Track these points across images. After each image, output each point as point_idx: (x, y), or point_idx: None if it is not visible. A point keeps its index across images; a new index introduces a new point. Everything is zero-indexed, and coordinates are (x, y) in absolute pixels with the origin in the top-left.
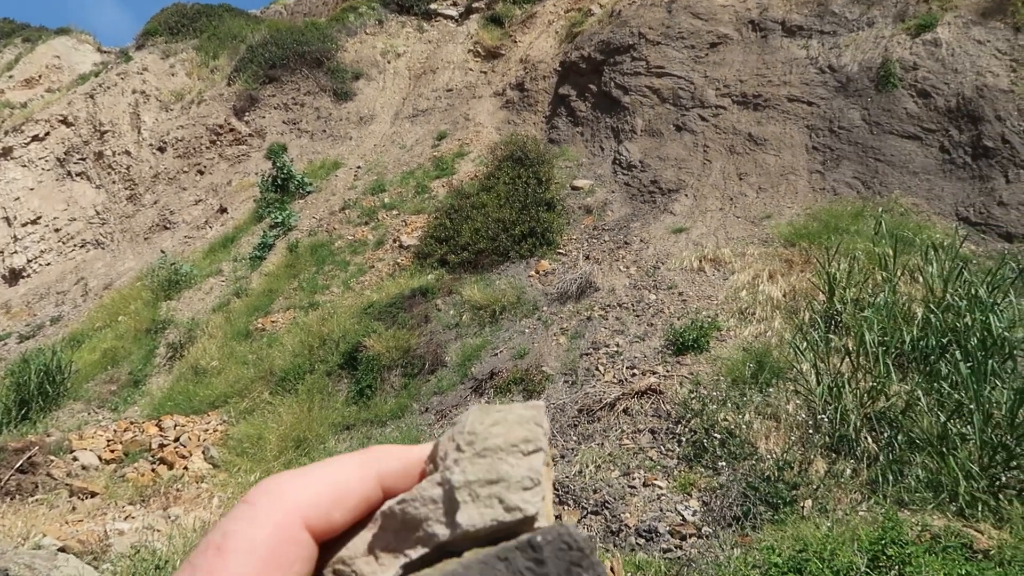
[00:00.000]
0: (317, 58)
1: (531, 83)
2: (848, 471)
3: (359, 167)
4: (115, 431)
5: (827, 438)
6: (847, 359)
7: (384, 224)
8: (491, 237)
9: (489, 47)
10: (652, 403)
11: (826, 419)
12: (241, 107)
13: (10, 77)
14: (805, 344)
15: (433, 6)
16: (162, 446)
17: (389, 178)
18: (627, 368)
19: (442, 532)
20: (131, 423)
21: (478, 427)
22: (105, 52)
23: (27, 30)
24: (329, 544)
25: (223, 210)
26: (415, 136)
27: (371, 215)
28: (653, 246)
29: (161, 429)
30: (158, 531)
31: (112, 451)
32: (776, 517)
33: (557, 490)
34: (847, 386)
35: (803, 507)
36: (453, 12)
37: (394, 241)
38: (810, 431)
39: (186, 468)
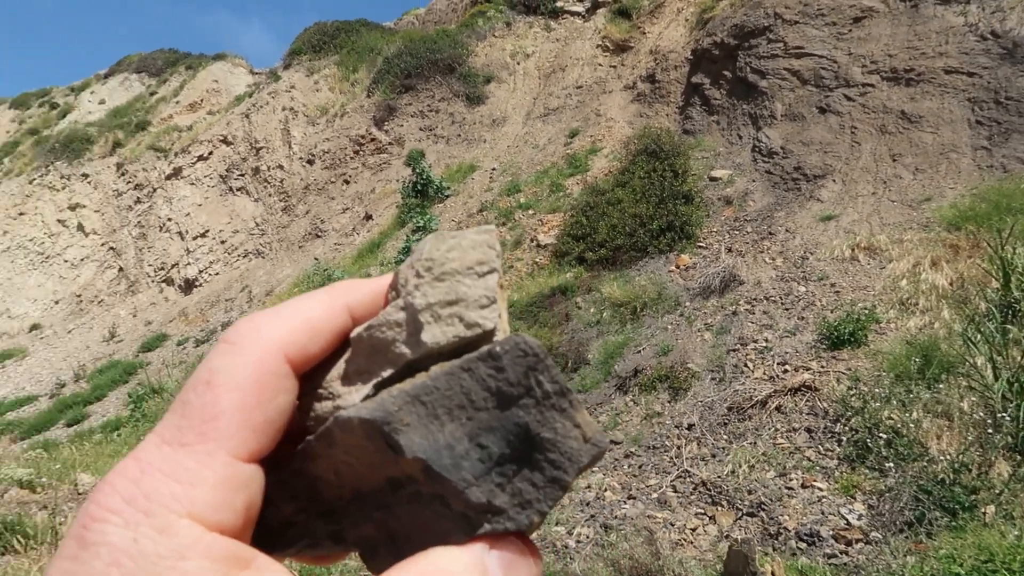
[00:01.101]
0: (449, 64)
1: (662, 74)
2: None
3: (494, 169)
4: None
5: (1009, 438)
6: None
7: (521, 224)
8: (628, 233)
9: (617, 41)
10: (807, 400)
11: (1007, 417)
12: (380, 117)
13: (176, 103)
14: (979, 336)
15: (559, 4)
16: None
17: (524, 178)
18: (778, 364)
19: (408, 351)
20: None
21: (435, 254)
22: (256, 74)
23: (189, 58)
24: (308, 375)
25: (368, 217)
26: (547, 135)
27: (508, 216)
28: (800, 236)
29: None
30: None
31: None
32: (954, 523)
33: (709, 489)
34: None
35: (985, 513)
36: (579, 8)
37: (531, 240)
38: (989, 430)
39: None
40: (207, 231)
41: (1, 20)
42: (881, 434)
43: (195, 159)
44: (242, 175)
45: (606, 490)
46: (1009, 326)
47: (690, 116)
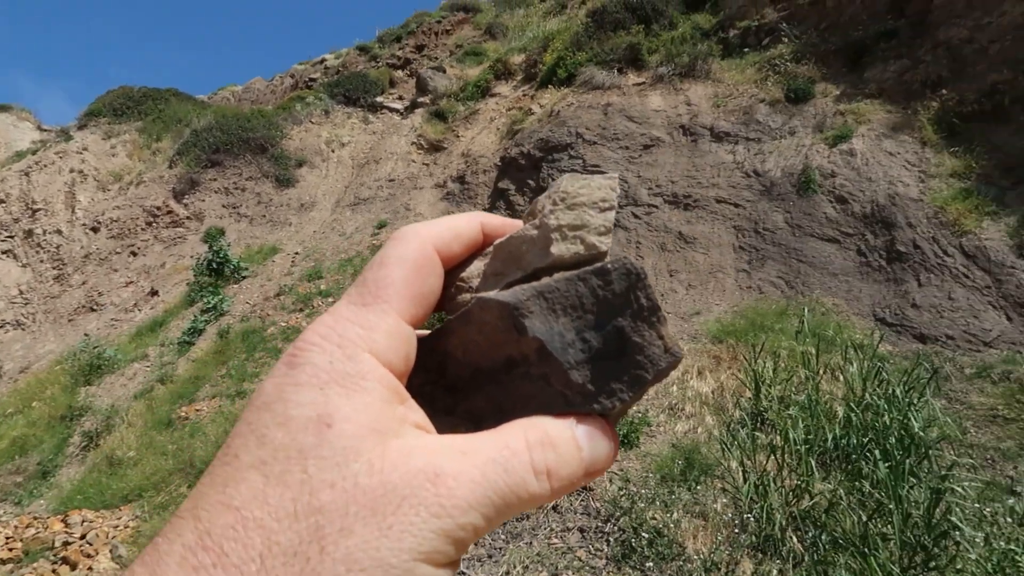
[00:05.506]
0: (261, 144)
1: (472, 176)
2: (775, 572)
3: (297, 253)
4: (15, 527)
5: (753, 537)
6: (773, 456)
7: (319, 311)
8: None
9: (432, 140)
10: (582, 500)
11: (752, 518)
12: (181, 190)
13: None
14: (733, 441)
15: (380, 99)
16: (66, 544)
17: (327, 264)
18: None
19: (538, 260)
20: (35, 518)
21: (570, 189)
22: (45, 131)
23: None
24: (449, 272)
25: (154, 292)
26: (355, 224)
27: (306, 302)
28: None
29: (67, 525)
30: None
31: (11, 549)
32: None
33: None
34: (773, 484)
35: None
36: (399, 106)
37: None
38: (736, 530)
39: (90, 568)
40: None
41: None
42: (644, 534)
43: None
44: (11, 236)
45: None
46: (758, 433)
47: None
